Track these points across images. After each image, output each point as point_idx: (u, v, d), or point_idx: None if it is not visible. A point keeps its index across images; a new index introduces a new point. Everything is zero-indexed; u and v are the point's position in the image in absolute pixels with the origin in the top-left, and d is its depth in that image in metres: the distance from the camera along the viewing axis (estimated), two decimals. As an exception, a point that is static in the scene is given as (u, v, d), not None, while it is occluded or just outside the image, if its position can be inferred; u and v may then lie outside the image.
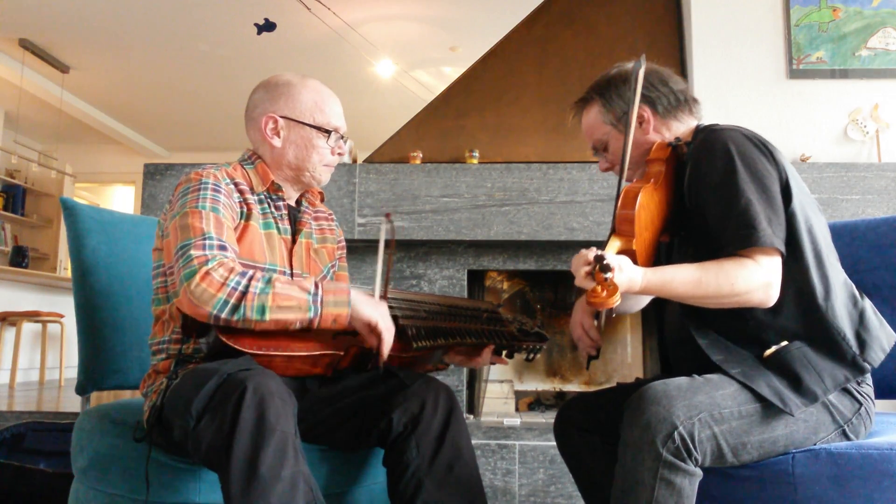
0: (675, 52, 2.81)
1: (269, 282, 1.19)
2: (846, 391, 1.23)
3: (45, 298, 5.61)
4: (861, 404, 1.24)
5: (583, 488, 1.43)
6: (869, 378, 1.28)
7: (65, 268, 7.14)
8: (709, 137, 1.27)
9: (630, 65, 1.39)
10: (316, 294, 1.20)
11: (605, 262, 1.06)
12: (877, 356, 1.24)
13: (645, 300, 1.54)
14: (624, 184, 1.30)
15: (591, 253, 1.12)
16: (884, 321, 1.31)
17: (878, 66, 2.72)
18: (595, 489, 1.39)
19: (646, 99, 1.36)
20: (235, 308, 1.15)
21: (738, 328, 1.25)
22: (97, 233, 1.62)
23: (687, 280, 1.18)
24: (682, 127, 1.39)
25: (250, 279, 1.18)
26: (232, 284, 1.16)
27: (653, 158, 1.33)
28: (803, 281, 1.23)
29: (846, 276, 1.32)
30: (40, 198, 7.39)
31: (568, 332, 2.98)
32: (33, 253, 6.87)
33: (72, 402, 3.58)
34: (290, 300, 1.18)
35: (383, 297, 1.34)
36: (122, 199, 8.67)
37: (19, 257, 6.14)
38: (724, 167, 1.22)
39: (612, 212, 1.29)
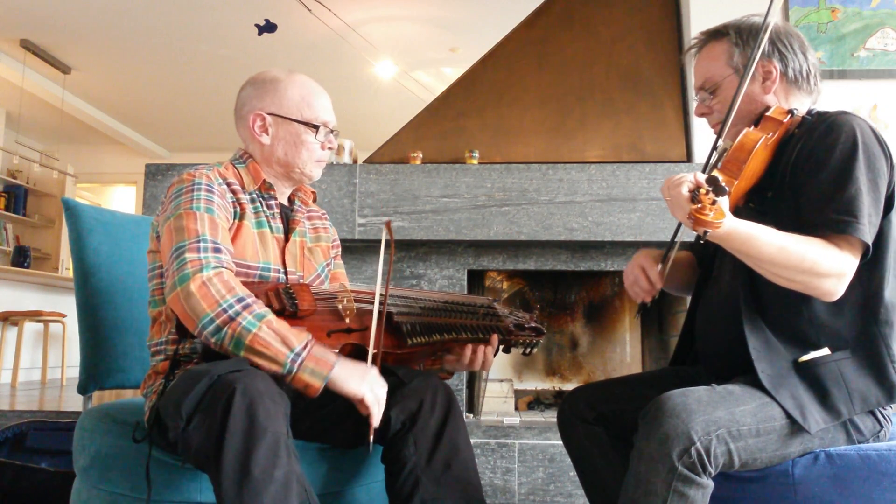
0: (674, 52, 2.82)
1: (260, 319, 1.16)
2: (871, 413, 1.21)
3: (47, 298, 5.62)
4: (882, 427, 1.22)
5: (585, 481, 1.41)
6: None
7: (66, 268, 7.16)
8: (836, 119, 1.21)
9: (770, 19, 1.32)
10: (298, 354, 1.15)
11: (720, 183, 1.00)
12: None
13: (686, 282, 1.49)
14: (721, 141, 1.25)
15: (700, 175, 1.06)
16: None
17: (876, 66, 2.73)
18: (598, 482, 1.38)
19: (780, 56, 1.29)
20: (218, 329, 1.15)
21: (790, 321, 1.22)
22: (99, 233, 1.63)
23: (772, 242, 1.12)
24: (800, 101, 1.32)
25: (245, 308, 1.16)
26: (224, 305, 1.15)
27: (773, 118, 1.26)
28: (875, 289, 1.20)
29: None
30: (42, 198, 7.41)
31: (567, 331, 2.99)
32: (35, 253, 6.89)
33: (73, 402, 3.59)
34: (268, 349, 1.14)
35: (375, 358, 1.26)
36: (123, 199, 8.68)
37: (21, 257, 6.15)
38: (845, 150, 1.17)
39: (711, 152, 1.24)
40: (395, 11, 4.77)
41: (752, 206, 1.28)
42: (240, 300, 1.17)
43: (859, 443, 1.20)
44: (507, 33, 2.92)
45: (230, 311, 1.15)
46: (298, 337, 1.17)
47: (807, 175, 1.20)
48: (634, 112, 2.75)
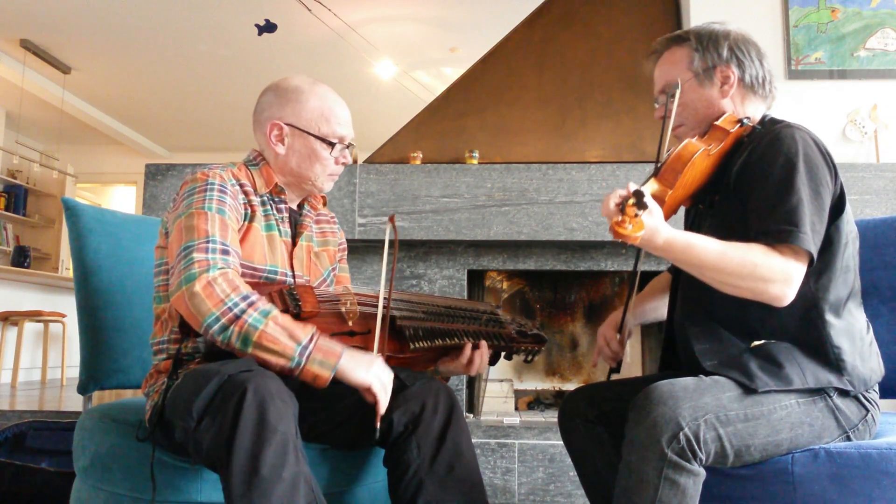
0: (674, 52, 2.82)
1: (266, 315, 1.17)
2: (854, 397, 1.23)
3: (47, 298, 5.62)
4: (868, 411, 1.24)
5: (585, 481, 1.42)
6: (875, 384, 1.28)
7: (66, 268, 7.16)
8: (780, 132, 1.25)
9: (730, 26, 1.39)
10: (306, 347, 1.16)
11: (643, 198, 1.03)
12: (858, 385, 1.23)
13: (664, 308, 1.54)
14: (669, 134, 1.29)
15: (631, 186, 1.09)
16: (879, 356, 1.31)
17: (876, 66, 2.73)
18: (598, 482, 1.39)
19: (738, 62, 1.34)
20: (224, 328, 1.15)
21: (738, 318, 1.25)
22: (99, 233, 1.63)
23: (710, 249, 1.15)
24: (753, 108, 1.37)
25: (250, 305, 1.17)
26: (229, 304, 1.16)
27: (721, 127, 1.30)
28: (822, 291, 1.24)
29: (861, 306, 1.32)
30: (42, 198, 7.41)
31: (567, 331, 2.99)
32: (35, 253, 6.88)
33: (73, 402, 3.59)
34: (276, 344, 1.15)
35: (381, 349, 1.29)
36: (123, 199, 8.68)
37: (21, 257, 6.14)
38: (787, 162, 1.20)
39: (658, 156, 1.27)
40: (395, 11, 4.77)
41: (701, 208, 1.34)
42: (244, 298, 1.17)
43: (849, 428, 1.22)
44: (507, 33, 2.92)
45: (235, 310, 1.16)
46: (304, 330, 1.18)
47: (750, 184, 1.24)
48: (634, 112, 2.75)
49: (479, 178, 2.48)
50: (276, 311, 1.19)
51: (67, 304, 5.57)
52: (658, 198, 1.18)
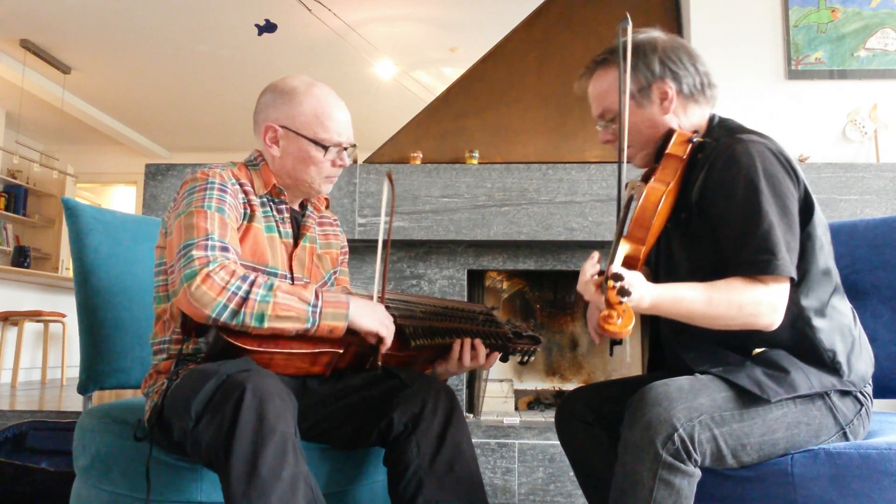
0: (674, 52, 2.82)
1: (270, 289, 1.19)
2: (848, 393, 1.23)
3: (47, 298, 5.62)
4: (862, 405, 1.25)
5: (583, 482, 1.42)
6: (869, 377, 1.29)
7: (66, 268, 7.16)
8: (734, 148, 1.21)
9: (654, 33, 1.33)
10: (316, 305, 1.21)
11: (624, 283, 0.99)
12: (858, 383, 1.24)
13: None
14: (624, 165, 1.24)
15: (606, 267, 1.06)
16: (869, 349, 1.31)
17: (876, 66, 2.73)
18: (596, 483, 1.38)
19: (672, 75, 1.29)
20: (235, 313, 1.16)
21: (728, 335, 1.23)
22: (99, 233, 1.63)
23: (697, 299, 1.14)
24: (699, 113, 1.33)
25: (252, 284, 1.18)
26: (232, 289, 1.16)
27: (674, 155, 1.25)
28: (803, 298, 1.23)
29: (845, 297, 1.32)
30: (42, 198, 7.41)
31: (567, 331, 2.99)
32: (35, 253, 6.89)
33: (73, 402, 3.59)
34: (289, 310, 1.19)
35: (381, 298, 1.36)
36: (123, 199, 8.68)
37: (21, 257, 6.15)
38: (747, 183, 1.18)
39: (619, 207, 1.23)
40: (395, 11, 4.77)
41: (669, 226, 1.29)
42: (244, 279, 1.19)
43: (846, 424, 1.22)
44: (507, 33, 2.93)
45: (240, 293, 1.17)
46: (307, 289, 1.24)
47: (715, 206, 1.22)
48: (634, 112, 2.75)
49: (479, 178, 2.48)
50: (276, 281, 1.22)
51: (67, 304, 5.57)
52: (633, 258, 1.16)
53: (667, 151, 1.26)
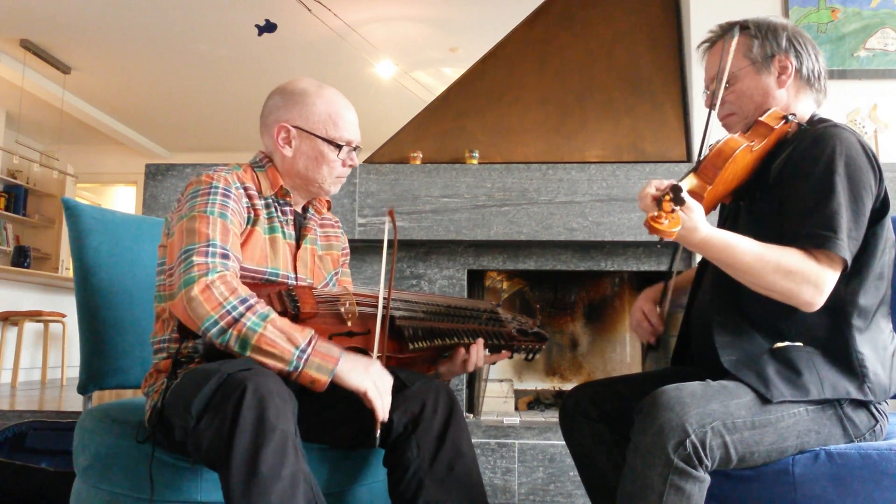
0: (674, 52, 2.82)
1: (264, 319, 1.17)
2: (864, 405, 1.22)
3: (47, 298, 5.62)
4: (877, 421, 1.23)
5: (586, 479, 1.41)
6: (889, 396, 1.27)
7: (66, 268, 7.16)
8: (826, 131, 1.23)
9: (783, 19, 1.38)
10: (304, 351, 1.16)
11: (681, 193, 1.02)
12: (879, 394, 1.22)
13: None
14: (715, 112, 1.26)
15: (667, 182, 1.08)
16: None
17: (876, 66, 2.73)
18: (600, 480, 1.38)
19: (796, 53, 1.33)
20: (223, 331, 1.15)
21: (766, 315, 1.23)
22: (99, 233, 1.63)
23: (749, 250, 1.14)
24: (807, 102, 1.36)
25: (248, 308, 1.17)
26: (228, 307, 1.16)
27: (765, 123, 1.27)
28: (852, 295, 1.22)
29: (888, 315, 1.30)
30: (42, 198, 7.41)
31: (567, 331, 2.99)
32: (35, 253, 6.89)
33: (73, 402, 3.60)
34: (274, 347, 1.15)
35: (380, 355, 1.28)
36: (123, 199, 8.69)
37: (21, 257, 6.15)
38: (829, 164, 1.18)
39: (700, 149, 1.25)
40: (395, 11, 4.77)
41: (742, 205, 1.32)
42: (242, 301, 1.18)
43: (856, 437, 1.21)
44: (507, 33, 2.92)
45: (234, 313, 1.16)
46: (302, 333, 1.18)
47: (791, 184, 1.22)
48: (634, 112, 2.75)
49: (479, 178, 2.48)
50: (274, 315, 1.19)
51: (67, 304, 5.57)
52: (697, 194, 1.16)
53: (759, 119, 1.29)
